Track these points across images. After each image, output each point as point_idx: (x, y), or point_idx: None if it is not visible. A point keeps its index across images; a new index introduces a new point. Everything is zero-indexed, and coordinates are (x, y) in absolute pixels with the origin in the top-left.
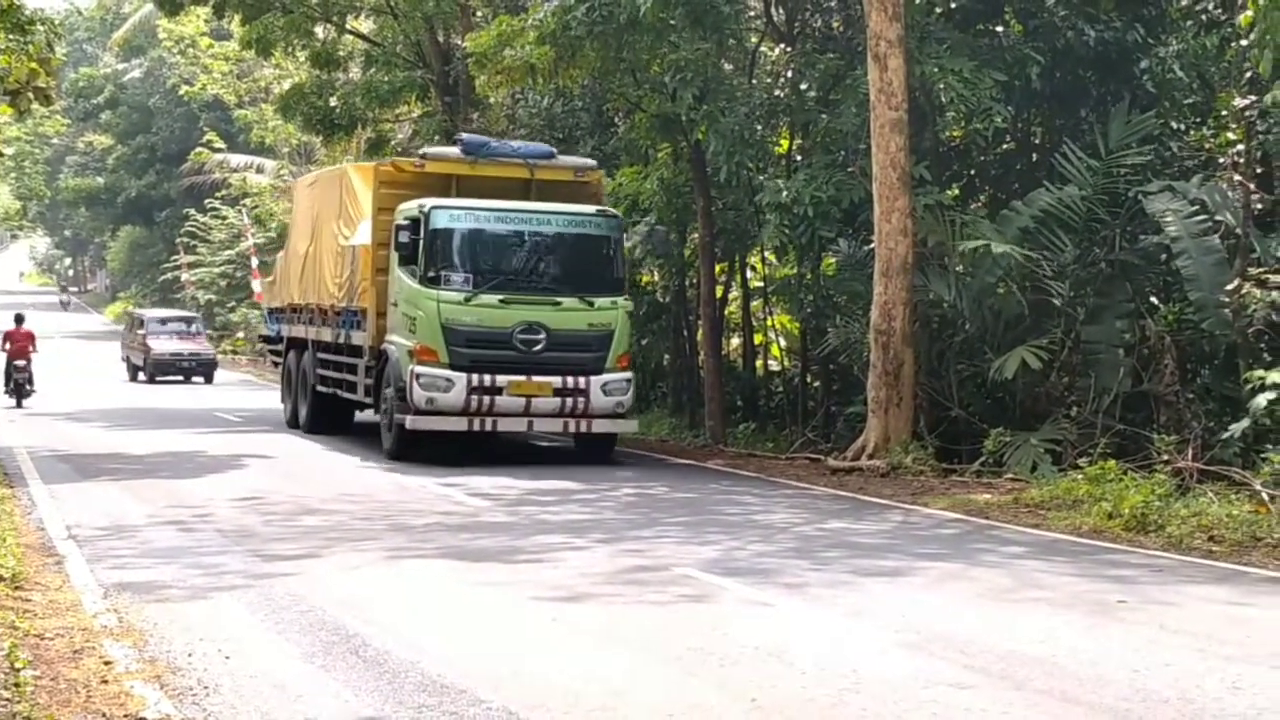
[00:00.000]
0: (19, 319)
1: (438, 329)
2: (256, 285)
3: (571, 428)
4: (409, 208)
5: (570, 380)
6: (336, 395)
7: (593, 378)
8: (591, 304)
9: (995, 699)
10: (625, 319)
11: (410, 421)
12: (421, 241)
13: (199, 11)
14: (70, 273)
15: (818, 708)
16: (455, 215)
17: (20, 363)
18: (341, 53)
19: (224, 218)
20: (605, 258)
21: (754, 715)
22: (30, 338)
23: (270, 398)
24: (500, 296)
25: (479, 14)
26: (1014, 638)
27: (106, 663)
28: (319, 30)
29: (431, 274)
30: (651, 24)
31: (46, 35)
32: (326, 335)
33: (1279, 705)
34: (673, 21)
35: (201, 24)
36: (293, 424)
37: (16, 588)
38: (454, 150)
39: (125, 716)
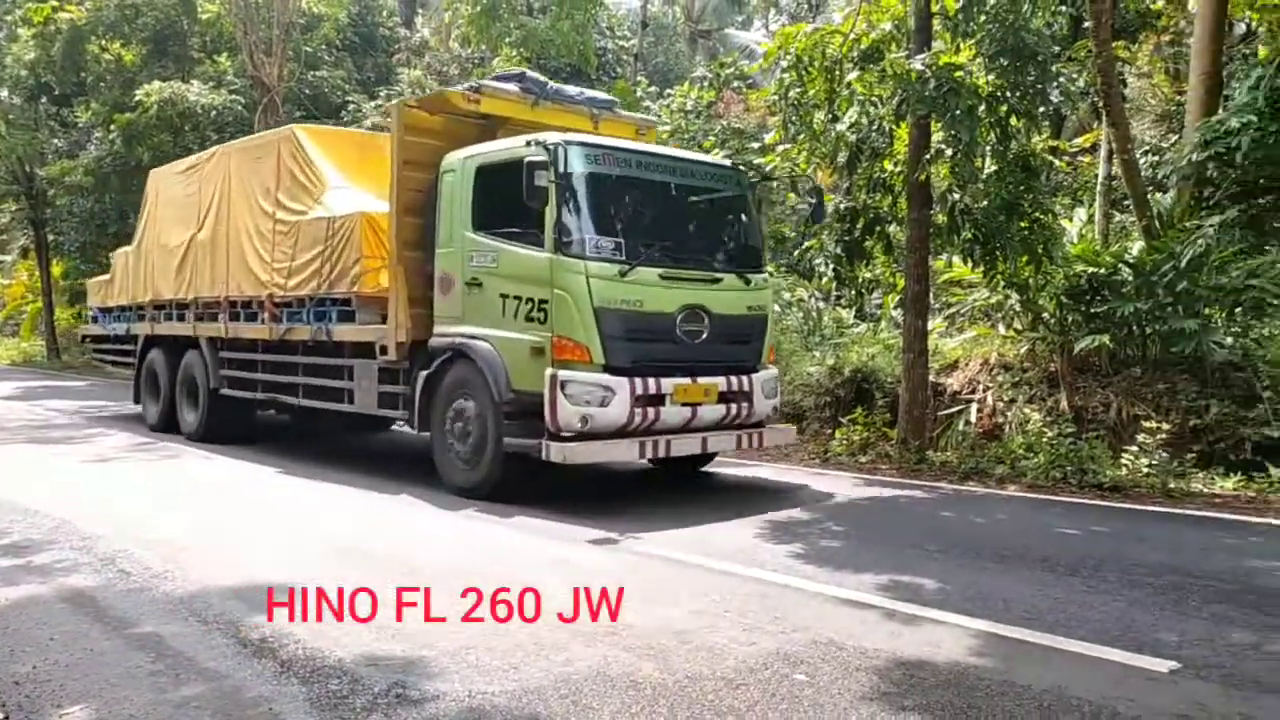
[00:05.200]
0: None
1: (589, 315)
2: None
3: (744, 443)
4: (513, 146)
5: (734, 381)
6: (275, 400)
7: (754, 376)
8: (748, 282)
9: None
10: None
11: (560, 452)
12: (552, 194)
13: None
14: None
15: (215, 498)
16: (596, 157)
17: None
18: None
19: None
20: (746, 224)
21: (173, 502)
22: None
23: None
24: (658, 271)
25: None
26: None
27: None
28: None
29: (568, 239)
30: None
31: None
32: (249, 332)
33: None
34: None
35: None
36: (165, 428)
37: None
38: (512, 87)
39: None
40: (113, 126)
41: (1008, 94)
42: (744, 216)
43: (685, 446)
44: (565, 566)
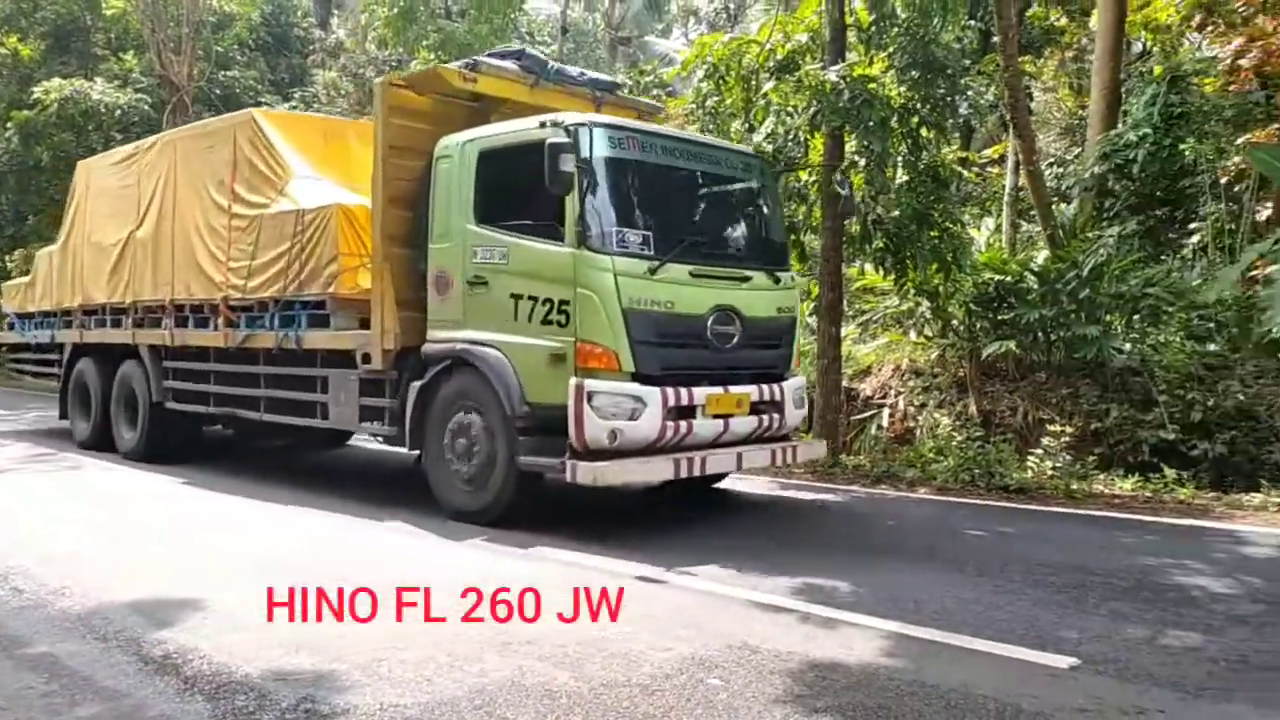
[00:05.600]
0: None
1: (618, 317)
2: None
3: (778, 458)
4: (523, 128)
5: (765, 389)
6: (232, 415)
7: (784, 384)
8: (778, 280)
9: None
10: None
11: (590, 472)
12: (576, 181)
13: None
14: None
15: (119, 512)
16: (620, 140)
17: None
18: None
19: None
20: (770, 217)
21: (72, 515)
22: None
23: None
24: (689, 268)
25: None
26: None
27: None
28: None
29: (592, 231)
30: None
31: None
32: (200, 339)
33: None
34: None
35: None
36: (97, 446)
37: None
38: (511, 65)
39: None
40: (9, 124)
41: (919, 106)
42: (767, 209)
43: (720, 463)
44: (462, 571)
